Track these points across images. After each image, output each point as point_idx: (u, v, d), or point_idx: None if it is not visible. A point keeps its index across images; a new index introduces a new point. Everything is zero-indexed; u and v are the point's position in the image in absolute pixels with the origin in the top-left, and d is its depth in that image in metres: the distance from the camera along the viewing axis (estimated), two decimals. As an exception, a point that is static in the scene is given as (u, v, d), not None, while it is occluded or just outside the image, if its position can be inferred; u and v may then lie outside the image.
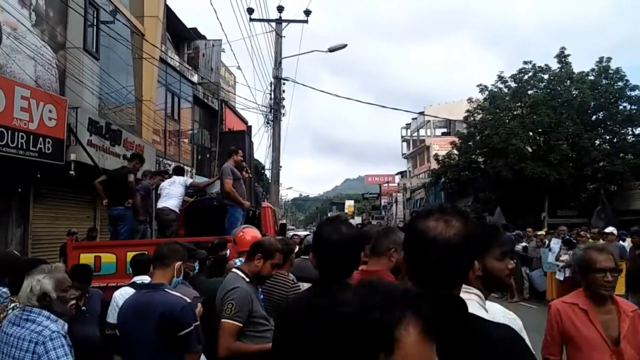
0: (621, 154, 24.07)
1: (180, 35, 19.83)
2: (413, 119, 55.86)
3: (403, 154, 60.57)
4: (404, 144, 60.76)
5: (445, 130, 50.37)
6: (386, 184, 59.63)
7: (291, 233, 22.56)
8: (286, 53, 17.40)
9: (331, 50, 15.76)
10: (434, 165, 33.48)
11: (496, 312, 2.53)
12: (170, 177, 8.23)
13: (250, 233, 4.30)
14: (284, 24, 15.84)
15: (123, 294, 3.91)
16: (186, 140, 18.84)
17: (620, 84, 24.95)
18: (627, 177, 23.07)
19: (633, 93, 24.84)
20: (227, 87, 23.02)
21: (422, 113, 38.84)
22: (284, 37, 15.77)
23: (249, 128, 18.19)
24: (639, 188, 23.06)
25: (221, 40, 19.85)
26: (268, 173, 23.54)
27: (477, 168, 27.02)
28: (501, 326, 1.39)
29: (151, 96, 14.58)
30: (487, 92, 27.23)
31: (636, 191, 23.05)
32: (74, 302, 2.96)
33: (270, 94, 16.00)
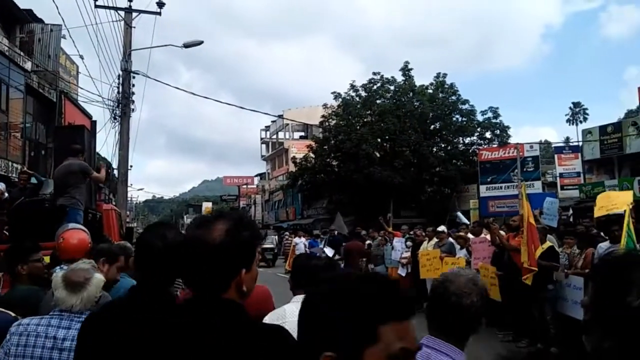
0: (454, 161, 27.04)
1: (12, 16, 17.49)
2: (272, 121, 56.49)
3: (262, 156, 60.89)
4: (264, 146, 61.13)
5: (303, 133, 51.80)
6: (245, 186, 59.46)
7: (141, 237, 21.24)
8: (137, 45, 16.36)
9: (186, 45, 15.15)
10: (292, 167, 34.21)
11: None
12: None
13: (76, 236, 3.73)
14: (134, 14, 14.86)
15: None
16: (18, 135, 16.68)
17: (453, 98, 28.08)
18: (458, 181, 25.99)
19: (464, 106, 28.12)
20: (68, 77, 20.88)
21: (280, 116, 39.41)
22: (134, 27, 14.80)
23: (94, 123, 16.61)
24: (467, 191, 26.08)
25: (61, 25, 17.91)
26: (117, 173, 21.90)
27: (332, 171, 28.25)
28: (271, 327, 1.47)
29: (-29, 82, 12.63)
30: (340, 99, 28.66)
31: (465, 194, 26.04)
32: None
33: (118, 88, 14.88)
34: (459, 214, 15.81)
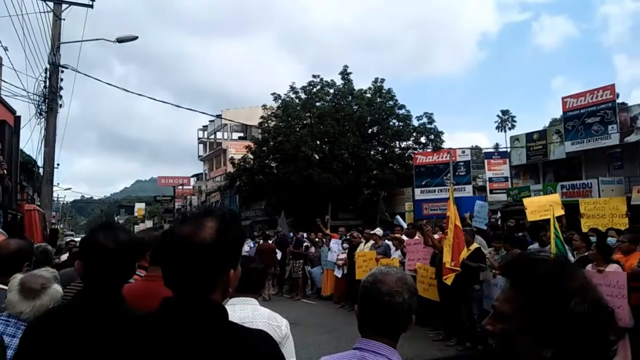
0: (390, 164, 27.69)
1: None
2: (210, 121, 55.48)
3: (199, 157, 59.63)
4: (201, 146, 59.89)
5: (242, 134, 51.21)
6: (180, 187, 57.93)
7: (68, 239, 20.32)
8: (67, 38, 15.53)
9: (120, 40, 14.56)
10: (230, 168, 33.72)
11: (261, 317, 2.58)
12: None
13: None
14: (63, 5, 14.10)
15: None
16: None
17: (391, 103, 28.76)
18: (394, 184, 26.64)
19: (400, 111, 28.87)
20: (-11, 68, 19.49)
21: (219, 116, 38.73)
22: (64, 19, 14.03)
23: (17, 118, 15.56)
24: (403, 194, 26.77)
25: (-18, 13, 16.65)
26: (41, 171, 20.68)
27: (271, 173, 28.10)
28: (257, 332, 1.41)
29: None
30: (280, 101, 28.62)
31: (400, 197, 26.73)
32: None
33: (45, 82, 14.05)
34: (398, 217, 16.21)
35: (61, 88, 14.56)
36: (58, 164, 17.28)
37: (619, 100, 24.28)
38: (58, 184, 36.72)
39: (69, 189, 48.41)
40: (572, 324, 1.01)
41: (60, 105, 14.67)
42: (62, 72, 14.49)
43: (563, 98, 23.04)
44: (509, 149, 27.13)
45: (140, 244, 2.86)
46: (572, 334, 1.01)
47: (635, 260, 6.47)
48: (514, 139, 26.57)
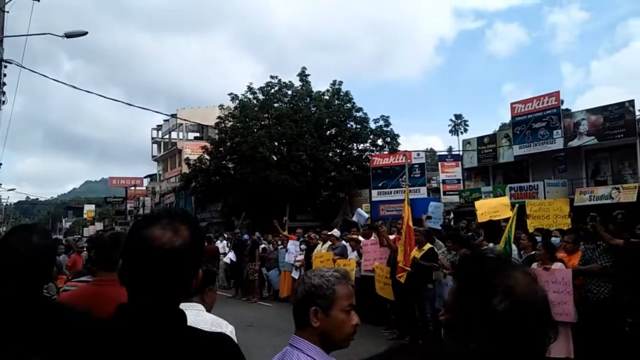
0: (348, 166, 27.94)
1: None
2: (165, 120, 54.25)
3: (153, 157, 58.13)
4: (155, 145, 58.41)
5: (198, 134, 50.35)
6: (133, 188, 56.35)
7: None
8: (11, 31, 14.87)
9: (68, 35, 14.03)
10: (185, 169, 33.11)
11: (204, 323, 2.54)
12: None
13: None
14: (8, -3, 13.48)
15: None
16: None
17: (348, 105, 29.03)
18: (352, 186, 26.89)
19: (358, 114, 29.17)
20: None
21: (174, 115, 37.84)
22: (8, 12, 13.41)
23: (-44, 115, 14.84)
24: (360, 196, 27.06)
25: None
26: (-17, 171, 19.70)
27: (227, 174, 27.78)
28: (219, 335, 1.42)
29: None
30: (237, 101, 28.36)
31: (358, 198, 27.02)
32: None
33: (-13, 77, 13.41)
34: (359, 209, 16.29)
35: (4, 84, 13.97)
36: (1, 164, 16.51)
37: (564, 107, 25.43)
38: (1, 184, 34.99)
39: (12, 189, 46.24)
40: (492, 321, 1.06)
41: (4, 102, 14.12)
42: (6, 67, 13.91)
43: (512, 104, 23.92)
44: (461, 152, 27.88)
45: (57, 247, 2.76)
46: (492, 330, 1.05)
47: (577, 260, 6.81)
48: (466, 142, 27.34)
